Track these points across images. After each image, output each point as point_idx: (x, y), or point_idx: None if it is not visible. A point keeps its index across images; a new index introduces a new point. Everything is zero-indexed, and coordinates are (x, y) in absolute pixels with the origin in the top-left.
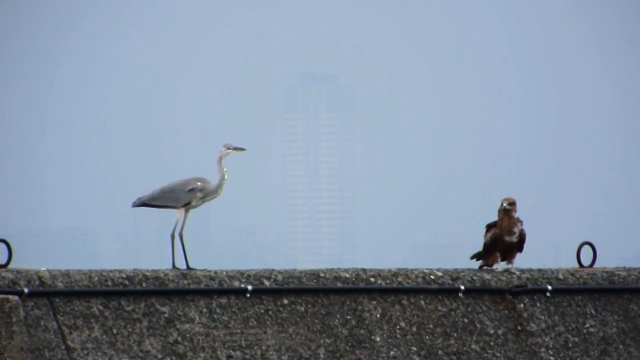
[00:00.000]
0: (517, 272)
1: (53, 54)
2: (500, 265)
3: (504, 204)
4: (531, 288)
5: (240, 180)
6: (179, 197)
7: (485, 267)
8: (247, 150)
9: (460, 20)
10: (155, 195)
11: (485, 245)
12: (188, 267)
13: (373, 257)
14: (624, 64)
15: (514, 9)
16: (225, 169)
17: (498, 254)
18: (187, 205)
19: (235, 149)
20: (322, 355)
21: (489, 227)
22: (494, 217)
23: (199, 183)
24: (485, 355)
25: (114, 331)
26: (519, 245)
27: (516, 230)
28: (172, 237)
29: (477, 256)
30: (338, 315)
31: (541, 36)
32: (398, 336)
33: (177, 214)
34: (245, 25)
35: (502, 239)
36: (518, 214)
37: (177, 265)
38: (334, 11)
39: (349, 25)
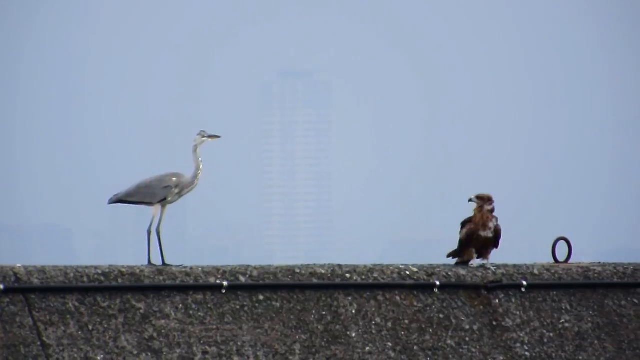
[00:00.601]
0: (492, 268)
1: (23, 50)
2: (476, 261)
3: (473, 197)
4: (506, 283)
5: (216, 176)
6: (155, 193)
7: (461, 263)
8: (222, 137)
9: (438, 16)
10: (130, 192)
11: (461, 242)
12: (164, 263)
13: (350, 254)
14: (604, 69)
15: (494, 8)
16: (200, 159)
17: (473, 250)
18: (164, 201)
19: (210, 136)
20: (297, 351)
21: (464, 223)
22: (471, 214)
23: (174, 179)
24: (461, 350)
25: (90, 327)
26: (494, 241)
27: (491, 225)
28: (149, 232)
29: (453, 254)
30: (314, 311)
31: (522, 38)
32: (374, 332)
33: (153, 210)
34: (221, 21)
35: (477, 234)
36: (495, 211)
37: (153, 261)
38: (310, 8)
39: (325, 21)
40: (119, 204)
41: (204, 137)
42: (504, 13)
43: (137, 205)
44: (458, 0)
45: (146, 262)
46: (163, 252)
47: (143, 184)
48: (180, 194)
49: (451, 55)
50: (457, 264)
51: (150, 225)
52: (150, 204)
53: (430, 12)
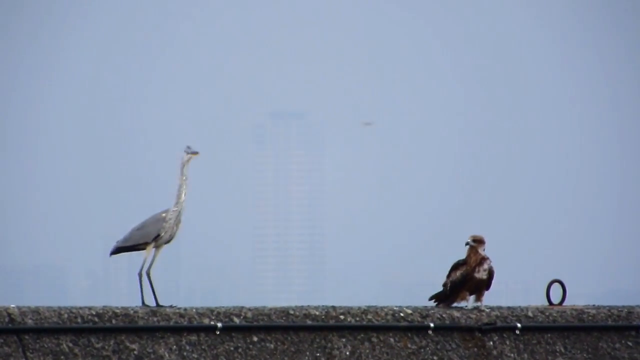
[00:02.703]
0: (486, 310)
1: (12, 83)
2: (470, 303)
3: (469, 240)
4: (500, 325)
5: (209, 216)
6: (148, 232)
7: (450, 304)
8: (200, 155)
9: (429, 55)
10: (127, 237)
11: (454, 283)
12: (157, 305)
13: (343, 295)
14: (601, 99)
15: (491, 44)
16: (184, 177)
17: (467, 292)
18: (158, 238)
19: (192, 153)
20: None
21: (457, 265)
22: (463, 256)
23: (163, 214)
24: None
25: None
26: (487, 283)
27: (486, 266)
28: (140, 275)
29: (436, 297)
30: (308, 353)
31: (519, 77)
32: None
33: (145, 252)
34: (214, 60)
35: (472, 275)
36: (487, 252)
37: (147, 302)
38: (304, 49)
39: (317, 63)
40: (120, 253)
41: (188, 153)
42: (502, 45)
43: (136, 252)
44: (451, 41)
45: (140, 304)
46: (155, 293)
47: (136, 227)
48: (172, 225)
49: (444, 96)
50: (437, 306)
51: (142, 269)
52: (146, 244)
53: (421, 53)
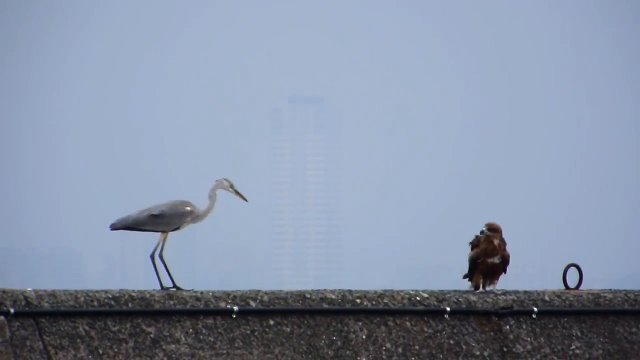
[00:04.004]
0: (499, 293)
1: (31, 70)
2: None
3: (484, 228)
4: (517, 310)
5: (227, 201)
6: (170, 223)
7: (471, 288)
8: (248, 202)
9: (447, 42)
10: (141, 220)
11: (470, 263)
12: (175, 286)
13: (360, 279)
14: (610, 88)
15: (505, 29)
16: (215, 202)
17: (481, 276)
18: (175, 230)
19: (237, 193)
20: None
21: (473, 245)
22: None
23: (188, 208)
24: None
25: (100, 351)
26: (502, 267)
27: (499, 253)
28: (152, 257)
29: (468, 275)
30: (324, 336)
31: (536, 65)
32: (384, 357)
33: (160, 236)
34: (233, 46)
35: (484, 260)
36: (505, 236)
37: (165, 285)
38: (321, 33)
39: (335, 47)
40: (124, 230)
41: (231, 187)
42: (517, 35)
43: (143, 232)
44: (467, 26)
45: (158, 287)
46: (171, 275)
47: (157, 212)
48: (188, 223)
49: (461, 78)
50: (471, 286)
51: (154, 251)
52: (163, 232)
53: (438, 39)
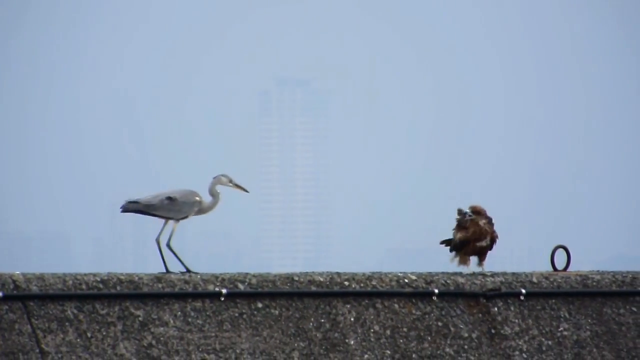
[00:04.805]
0: (487, 275)
1: (31, 56)
2: (472, 267)
3: (468, 211)
4: (505, 292)
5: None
6: (181, 210)
7: (458, 267)
8: (249, 193)
9: (434, 25)
10: (154, 204)
11: (455, 245)
12: (187, 270)
13: (348, 262)
14: (602, 71)
15: (494, 11)
16: (219, 197)
17: (469, 257)
18: (184, 218)
19: (237, 186)
20: (296, 359)
21: (460, 225)
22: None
23: (197, 198)
24: (459, 358)
25: (88, 335)
26: (490, 247)
27: (487, 236)
28: (158, 242)
29: (447, 242)
30: (312, 319)
31: (527, 49)
32: (372, 340)
33: (172, 223)
34: (220, 29)
35: (473, 244)
36: (493, 219)
37: (170, 269)
38: (309, 16)
39: (323, 29)
40: (131, 213)
41: (230, 182)
42: (508, 21)
43: (150, 217)
44: (460, 8)
45: (163, 270)
46: (183, 261)
47: (168, 198)
48: (194, 214)
49: (451, 64)
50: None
51: (159, 236)
52: (171, 218)
53: (431, 20)
